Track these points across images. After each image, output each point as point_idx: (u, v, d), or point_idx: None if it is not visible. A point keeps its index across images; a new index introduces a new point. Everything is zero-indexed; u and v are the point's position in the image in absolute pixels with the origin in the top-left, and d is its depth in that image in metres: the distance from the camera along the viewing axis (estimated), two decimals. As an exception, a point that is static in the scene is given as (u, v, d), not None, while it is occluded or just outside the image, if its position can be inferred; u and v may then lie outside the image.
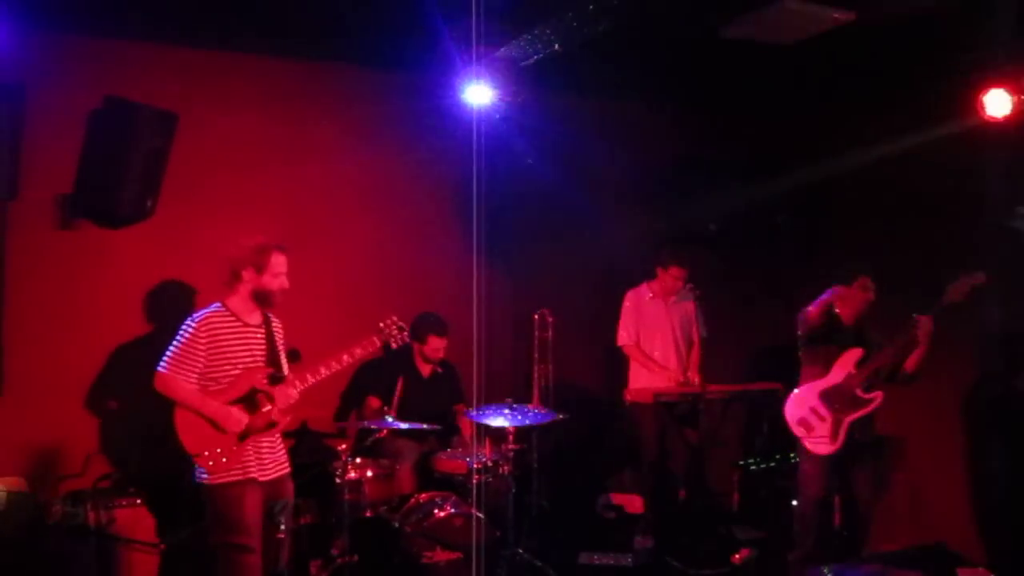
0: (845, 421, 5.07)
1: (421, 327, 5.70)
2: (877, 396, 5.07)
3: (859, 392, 5.06)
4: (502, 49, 5.30)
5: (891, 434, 5.79)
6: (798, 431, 5.22)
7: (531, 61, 5.35)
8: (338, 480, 4.81)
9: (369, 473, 4.94)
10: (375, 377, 5.83)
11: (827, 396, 5.12)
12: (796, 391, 5.23)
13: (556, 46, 5.12)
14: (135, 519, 4.86)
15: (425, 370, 5.87)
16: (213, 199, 5.74)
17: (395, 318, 4.56)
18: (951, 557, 5.28)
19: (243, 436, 4.16)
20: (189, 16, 5.38)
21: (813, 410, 5.13)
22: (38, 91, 5.06)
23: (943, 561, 5.18)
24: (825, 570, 4.73)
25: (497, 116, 5.44)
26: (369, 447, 5.18)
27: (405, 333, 4.57)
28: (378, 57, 5.88)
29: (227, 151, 5.79)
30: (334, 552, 4.95)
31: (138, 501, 4.89)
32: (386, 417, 5.09)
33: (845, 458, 5.12)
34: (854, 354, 5.10)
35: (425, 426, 5.29)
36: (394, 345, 4.53)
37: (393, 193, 6.33)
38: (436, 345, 5.74)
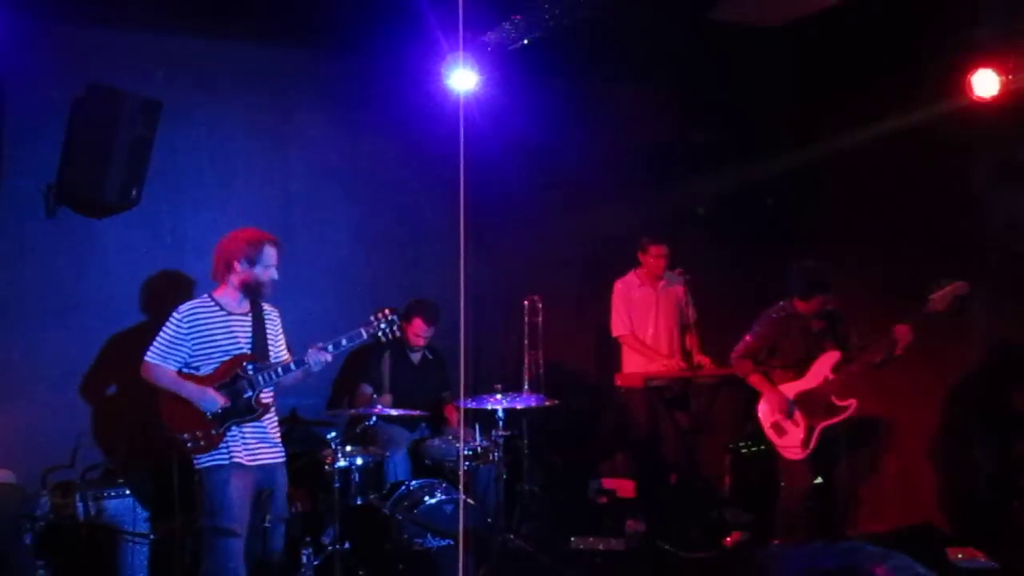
0: (818, 428, 5.04)
1: (412, 308, 5.68)
2: (851, 404, 5.01)
3: (834, 398, 5.02)
4: (488, 34, 5.27)
5: (880, 416, 5.81)
6: (770, 434, 5.22)
7: (517, 45, 5.32)
8: (328, 468, 4.80)
9: (359, 461, 4.93)
10: (366, 364, 5.81)
11: (802, 400, 5.08)
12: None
13: (542, 29, 5.09)
14: (124, 510, 4.85)
15: (415, 356, 5.85)
16: (198, 187, 5.72)
17: (388, 310, 4.45)
18: (940, 536, 5.31)
19: (224, 421, 4.19)
20: (172, 3, 5.34)
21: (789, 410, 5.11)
22: (20, 79, 5.01)
23: (932, 540, 5.21)
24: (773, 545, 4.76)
25: (483, 101, 5.41)
26: (359, 435, 5.17)
27: (396, 327, 4.47)
28: (363, 43, 5.84)
29: (212, 138, 5.76)
30: (325, 540, 4.95)
31: (127, 492, 4.87)
32: (376, 404, 5.08)
33: (821, 448, 5.09)
34: (831, 357, 5.04)
35: (416, 412, 5.30)
36: (383, 338, 4.46)
37: (379, 179, 6.31)
38: (419, 329, 5.68)
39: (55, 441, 5.20)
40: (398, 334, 4.55)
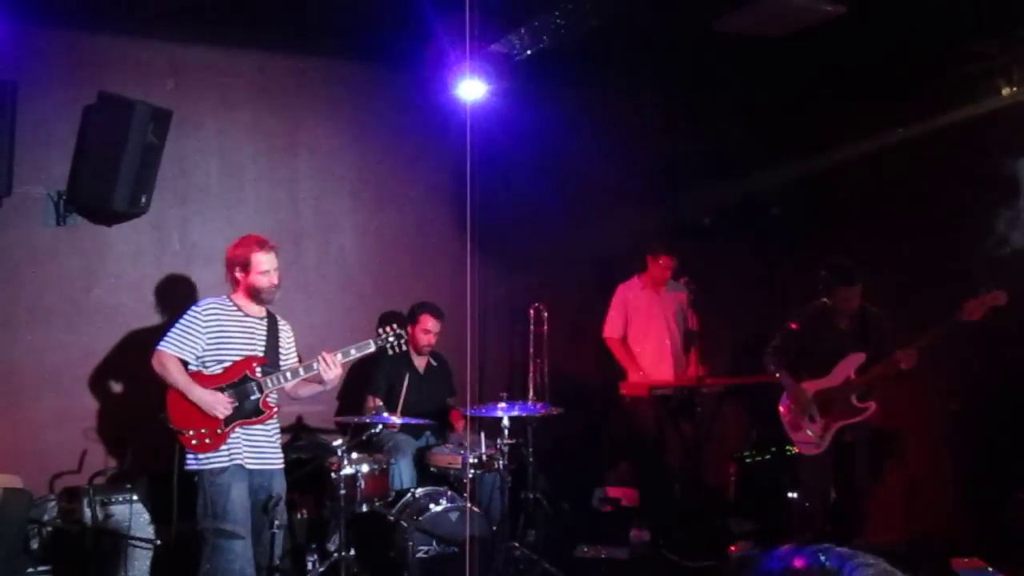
0: (834, 426, 5.08)
1: (416, 308, 5.74)
2: (870, 406, 5.04)
3: (854, 399, 5.05)
4: (495, 44, 5.30)
5: (886, 426, 5.80)
6: (787, 428, 5.26)
7: (524, 56, 5.35)
8: (334, 475, 4.82)
9: (365, 468, 4.94)
10: (372, 374, 5.82)
11: (822, 397, 5.12)
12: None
13: (548, 41, 5.12)
14: (132, 515, 4.87)
15: (420, 364, 5.86)
16: (207, 195, 5.75)
17: (395, 326, 4.61)
18: (945, 546, 5.30)
19: (230, 422, 4.25)
20: (182, 12, 5.38)
21: (810, 407, 5.14)
22: (31, 87, 5.04)
23: (937, 551, 5.20)
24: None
25: (490, 110, 5.44)
26: (365, 442, 5.19)
27: (403, 342, 4.61)
28: (371, 52, 5.88)
29: (221, 147, 5.80)
30: (330, 547, 4.96)
31: (134, 497, 4.89)
32: (382, 412, 5.10)
33: (841, 451, 5.14)
34: (856, 359, 5.07)
35: (422, 421, 5.31)
36: (390, 351, 4.60)
37: (387, 188, 6.33)
38: (429, 325, 5.70)
39: (63, 446, 5.24)
40: (404, 348, 4.68)
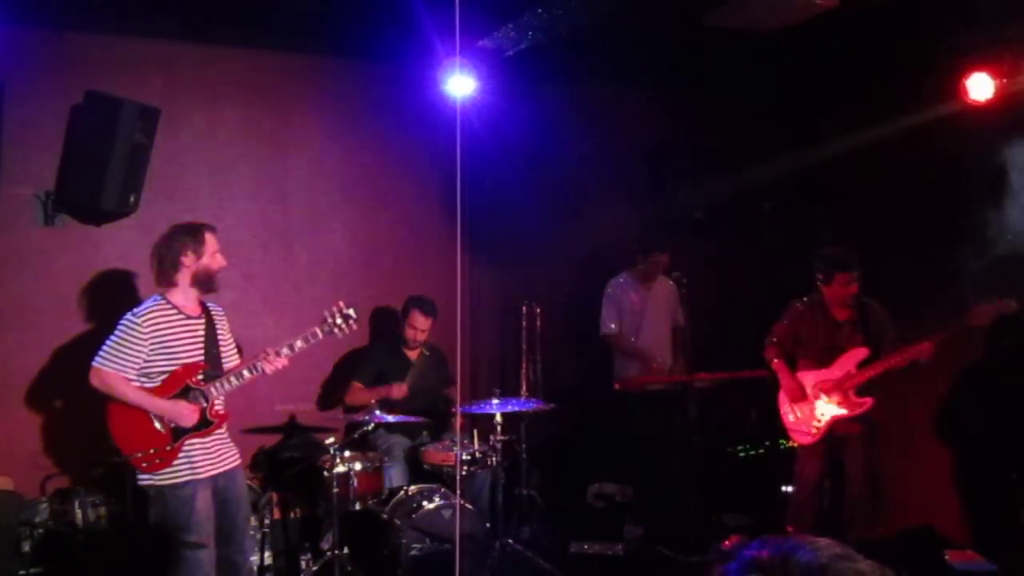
0: (829, 417, 5.11)
1: (408, 303, 5.70)
2: (867, 402, 5.07)
3: (852, 393, 5.08)
4: (484, 39, 5.29)
5: (880, 420, 5.81)
6: (784, 418, 5.29)
7: (513, 51, 5.34)
8: (327, 474, 4.81)
9: (358, 466, 4.93)
10: (359, 362, 5.80)
11: (820, 389, 5.14)
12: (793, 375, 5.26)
13: (538, 36, 5.10)
14: (124, 516, 4.85)
15: (413, 353, 5.82)
16: (196, 194, 5.72)
17: (341, 304, 4.33)
18: (939, 540, 5.31)
19: (179, 436, 4.06)
20: (169, 10, 5.36)
21: (804, 398, 5.16)
22: (17, 87, 5.01)
23: (931, 544, 5.21)
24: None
25: (480, 107, 5.42)
26: (358, 440, 5.17)
27: (352, 321, 4.33)
28: (360, 49, 5.86)
29: (210, 145, 5.77)
30: (324, 545, 4.95)
31: (125, 498, 4.87)
32: (375, 410, 5.09)
33: (836, 443, 5.15)
34: (858, 354, 5.09)
35: (414, 419, 5.29)
36: (339, 334, 4.32)
37: (376, 185, 6.31)
38: (416, 323, 5.66)
39: (54, 448, 5.22)
40: (355, 328, 4.38)
